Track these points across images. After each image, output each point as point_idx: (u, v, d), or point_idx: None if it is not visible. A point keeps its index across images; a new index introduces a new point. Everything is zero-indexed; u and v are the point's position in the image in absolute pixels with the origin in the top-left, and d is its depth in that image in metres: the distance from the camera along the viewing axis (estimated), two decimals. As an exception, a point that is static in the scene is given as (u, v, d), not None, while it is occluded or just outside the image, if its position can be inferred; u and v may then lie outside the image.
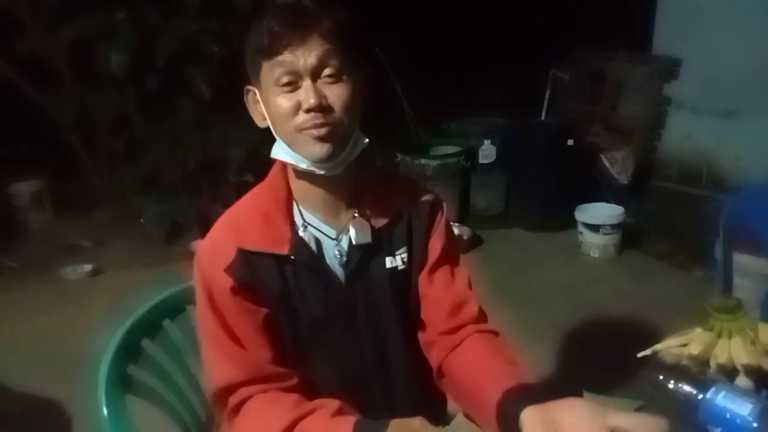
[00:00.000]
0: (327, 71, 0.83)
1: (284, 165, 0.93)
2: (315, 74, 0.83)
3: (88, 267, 3.27)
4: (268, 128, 0.90)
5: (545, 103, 3.91)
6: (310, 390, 0.90)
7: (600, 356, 2.07)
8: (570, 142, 3.52)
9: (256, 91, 0.89)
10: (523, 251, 3.42)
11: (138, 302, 1.13)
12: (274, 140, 0.91)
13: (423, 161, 3.58)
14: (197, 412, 1.15)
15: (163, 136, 3.68)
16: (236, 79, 0.94)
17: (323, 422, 0.78)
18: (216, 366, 0.88)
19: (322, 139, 0.84)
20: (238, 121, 3.58)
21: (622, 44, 3.82)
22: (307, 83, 0.82)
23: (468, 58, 4.30)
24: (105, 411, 0.98)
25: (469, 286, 0.99)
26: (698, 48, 3.42)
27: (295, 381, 0.89)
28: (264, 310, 0.88)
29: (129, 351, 1.06)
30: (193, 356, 1.16)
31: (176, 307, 1.16)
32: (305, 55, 0.82)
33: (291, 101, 0.83)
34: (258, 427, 0.82)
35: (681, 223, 3.23)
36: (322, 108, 0.83)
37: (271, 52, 0.83)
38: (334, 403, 0.81)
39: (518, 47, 4.20)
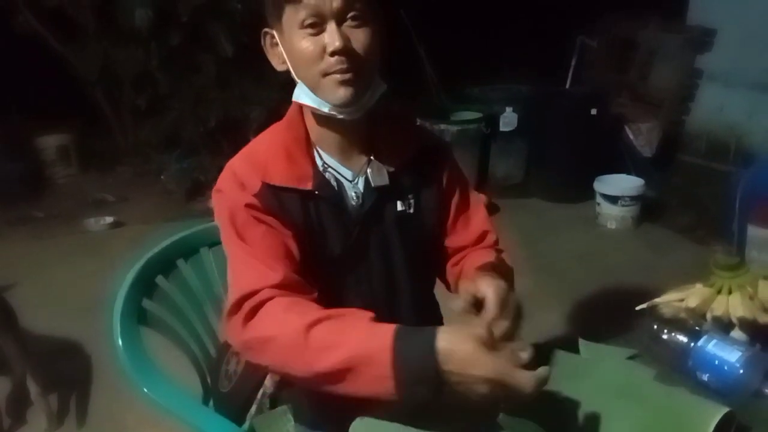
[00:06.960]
0: (352, 14, 0.82)
1: (301, 108, 0.94)
2: (340, 17, 0.82)
3: (110, 219, 3.37)
4: (287, 86, 0.90)
5: (571, 70, 3.82)
6: None
7: (603, 313, 2.06)
8: (593, 112, 3.45)
9: (275, 34, 0.88)
10: (539, 221, 3.39)
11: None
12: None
13: (443, 126, 3.54)
14: (207, 349, 1.20)
15: (185, 93, 3.71)
16: (259, 38, 0.93)
17: (361, 323, 0.75)
18: (237, 280, 0.85)
19: (346, 83, 0.84)
20: (259, 80, 3.60)
21: (655, 12, 3.69)
22: (332, 26, 0.82)
23: (493, 21, 4.20)
24: (120, 341, 1.03)
25: (487, 219, 1.06)
26: (734, 18, 3.29)
27: (315, 295, 0.87)
28: (288, 233, 0.89)
29: (144, 285, 1.10)
30: (206, 295, 1.22)
31: (190, 247, 1.21)
32: None
33: (315, 45, 0.83)
34: (279, 322, 0.77)
35: (704, 198, 3.16)
36: (347, 51, 0.82)
37: None
38: (368, 312, 0.78)
39: (545, 12, 4.09)
